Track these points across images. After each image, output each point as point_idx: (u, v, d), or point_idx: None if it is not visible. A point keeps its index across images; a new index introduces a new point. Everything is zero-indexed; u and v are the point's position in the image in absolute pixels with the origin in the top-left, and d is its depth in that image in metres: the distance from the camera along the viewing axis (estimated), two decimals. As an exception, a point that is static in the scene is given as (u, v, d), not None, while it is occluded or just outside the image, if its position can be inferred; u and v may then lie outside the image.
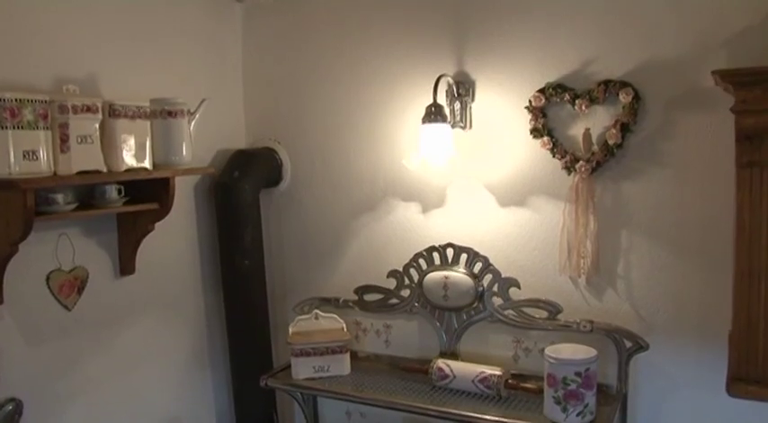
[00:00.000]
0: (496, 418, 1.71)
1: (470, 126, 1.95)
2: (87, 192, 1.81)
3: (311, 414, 2.24)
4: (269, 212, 2.29)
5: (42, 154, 1.57)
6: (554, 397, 1.65)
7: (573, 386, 1.63)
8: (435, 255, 1.98)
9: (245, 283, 2.20)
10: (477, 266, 1.93)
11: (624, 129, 1.77)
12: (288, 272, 2.30)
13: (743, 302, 1.42)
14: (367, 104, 2.08)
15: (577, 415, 1.64)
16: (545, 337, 1.80)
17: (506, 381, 1.81)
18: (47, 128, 1.59)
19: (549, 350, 1.68)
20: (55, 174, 1.59)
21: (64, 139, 1.63)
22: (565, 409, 1.64)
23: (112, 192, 1.80)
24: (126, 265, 1.97)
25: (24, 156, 1.55)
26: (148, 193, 1.86)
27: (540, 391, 1.74)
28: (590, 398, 1.64)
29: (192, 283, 2.20)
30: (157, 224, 1.92)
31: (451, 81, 1.94)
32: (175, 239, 2.13)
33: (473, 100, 1.94)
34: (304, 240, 2.25)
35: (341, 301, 2.14)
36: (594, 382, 1.65)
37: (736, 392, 1.45)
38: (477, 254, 1.93)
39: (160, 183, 1.86)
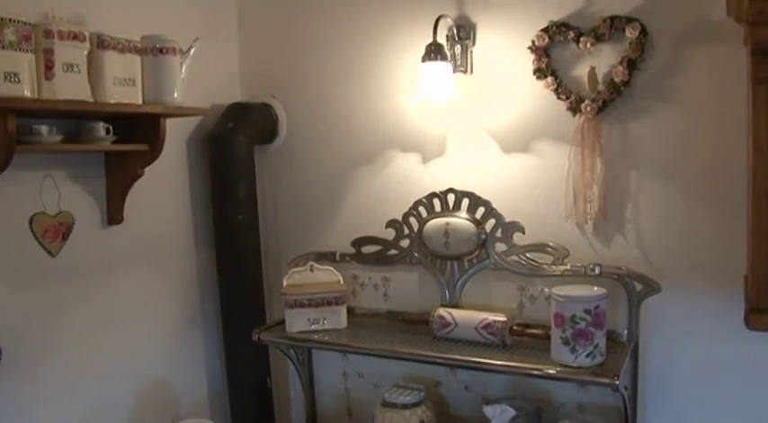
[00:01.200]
0: (503, 363, 1.63)
1: (471, 71, 1.87)
2: (74, 129, 1.69)
3: (306, 376, 2.14)
4: (263, 170, 2.21)
5: (25, 77, 1.46)
6: (562, 338, 1.56)
7: (582, 325, 1.53)
8: (436, 201, 1.90)
9: (238, 239, 2.10)
10: (480, 212, 1.84)
11: (631, 65, 1.69)
12: (282, 229, 2.21)
13: (761, 226, 1.33)
14: (365, 55, 2.01)
15: (587, 356, 1.54)
16: (551, 284, 1.71)
17: (511, 327, 1.72)
18: (30, 51, 1.48)
19: (556, 290, 1.59)
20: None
21: (49, 66, 1.52)
22: (574, 350, 1.54)
23: (100, 130, 1.69)
24: (114, 214, 1.86)
25: (6, 77, 1.44)
26: (138, 135, 1.76)
27: (548, 337, 1.65)
28: (600, 338, 1.55)
29: (183, 237, 2.09)
30: (148, 171, 1.81)
31: (452, 22, 1.85)
32: (166, 190, 2.03)
33: (474, 44, 1.86)
34: (299, 197, 2.16)
35: (337, 254, 2.05)
36: (604, 322, 1.56)
37: (755, 325, 1.36)
38: (479, 198, 1.84)
39: (150, 123, 1.75)
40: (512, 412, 1.62)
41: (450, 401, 1.95)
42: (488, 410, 1.64)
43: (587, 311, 1.54)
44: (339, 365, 2.12)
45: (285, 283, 1.94)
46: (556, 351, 1.59)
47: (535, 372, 1.58)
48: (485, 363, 1.63)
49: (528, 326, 1.74)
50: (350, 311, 1.98)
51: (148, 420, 1.93)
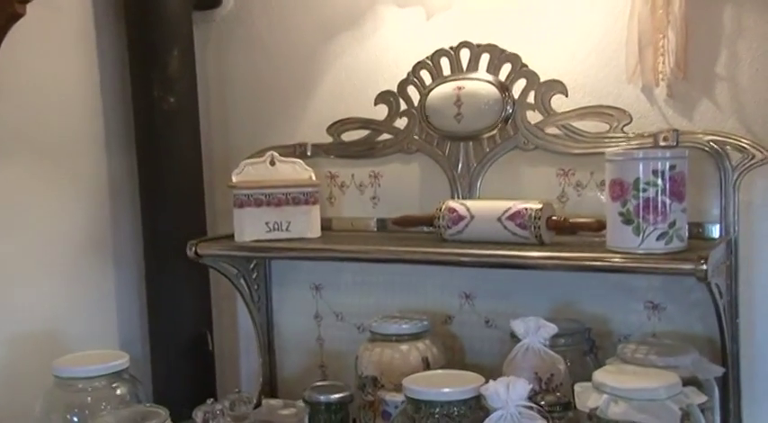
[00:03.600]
0: (542, 254, 1.50)
1: None
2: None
3: (263, 323, 2.02)
4: (207, 42, 2.10)
5: None
6: (621, 214, 1.43)
7: (650, 192, 1.40)
8: (444, 61, 1.78)
9: (168, 131, 1.97)
10: (505, 70, 1.73)
11: None
12: (233, 120, 2.10)
13: None
14: None
15: (659, 238, 1.41)
16: (604, 165, 1.57)
17: (550, 217, 1.59)
18: None
19: (610, 151, 1.46)
20: None
21: None
22: (639, 230, 1.41)
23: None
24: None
25: None
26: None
27: (602, 227, 1.51)
28: (678, 214, 1.42)
29: (86, 125, 1.96)
30: (32, 15, 1.63)
31: None
32: (61, 51, 1.89)
33: None
34: (258, 77, 2.05)
35: (309, 147, 1.95)
36: (684, 192, 1.43)
37: None
38: (503, 52, 1.73)
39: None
40: (551, 328, 1.47)
41: (464, 342, 1.83)
42: (518, 326, 1.49)
43: (658, 174, 1.40)
44: (309, 304, 2.01)
45: (235, 178, 1.82)
46: (613, 235, 1.46)
47: (587, 263, 1.46)
48: (516, 256, 1.51)
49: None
50: (325, 225, 1.88)
51: (25, 388, 1.71)
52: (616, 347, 1.54)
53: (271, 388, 2.01)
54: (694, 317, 1.60)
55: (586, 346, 1.59)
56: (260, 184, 1.79)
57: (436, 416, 1.26)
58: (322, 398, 1.52)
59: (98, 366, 1.50)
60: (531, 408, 1.24)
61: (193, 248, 1.79)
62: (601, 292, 1.67)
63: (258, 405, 1.81)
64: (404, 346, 1.66)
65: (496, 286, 1.77)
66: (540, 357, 1.47)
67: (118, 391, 1.50)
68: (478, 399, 1.29)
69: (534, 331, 1.49)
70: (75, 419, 1.45)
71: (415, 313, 1.77)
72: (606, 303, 1.67)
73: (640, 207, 1.41)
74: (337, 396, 1.53)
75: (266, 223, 1.78)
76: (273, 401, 1.83)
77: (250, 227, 1.78)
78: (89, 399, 1.47)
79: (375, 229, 1.89)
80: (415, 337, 1.68)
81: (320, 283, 1.99)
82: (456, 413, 1.26)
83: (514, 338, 1.55)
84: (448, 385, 1.31)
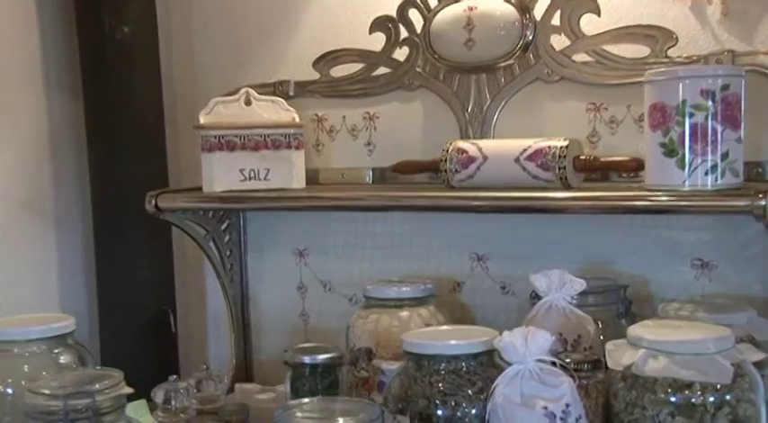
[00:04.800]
0: (570, 194, 1.53)
1: None
2: None
3: (237, 298, 2.05)
4: None
5: None
6: (663, 145, 1.44)
7: (698, 117, 1.42)
8: (452, -22, 1.80)
9: (122, 68, 1.99)
10: None
11: None
12: (202, 56, 2.13)
13: None
14: None
15: (708, 173, 1.42)
16: (643, 97, 1.59)
17: (577, 157, 1.61)
18: None
19: (650, 72, 1.48)
20: None
21: None
22: (683, 163, 1.42)
23: None
24: None
25: None
26: None
27: (640, 167, 1.54)
28: (731, 143, 1.43)
29: (21, 65, 1.98)
30: None
31: None
32: None
33: None
34: (230, 4, 2.08)
35: (291, 84, 1.98)
36: (738, 116, 1.44)
37: None
38: (524, -35, 1.74)
39: None
40: (578, 283, 1.49)
41: (476, 312, 1.85)
42: (540, 280, 1.51)
43: (708, 95, 1.42)
44: (292, 273, 2.04)
45: (203, 118, 1.84)
46: (653, 171, 1.47)
47: (622, 203, 1.48)
48: (538, 198, 1.54)
49: (604, 159, 1.65)
50: (311, 177, 1.90)
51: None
52: (657, 312, 1.57)
53: (246, 374, 2.03)
54: (751, 276, 1.62)
55: (621, 307, 1.61)
56: (233, 125, 1.82)
57: (441, 373, 1.27)
58: (307, 359, 1.53)
59: (37, 328, 1.51)
60: (553, 364, 1.26)
61: (153, 201, 1.81)
62: (639, 250, 1.69)
63: (231, 392, 1.84)
64: (404, 313, 1.67)
65: (514, 245, 1.80)
66: (566, 317, 1.49)
67: (61, 359, 1.50)
68: (491, 355, 1.31)
69: (559, 287, 1.50)
70: (10, 391, 1.45)
71: (418, 278, 1.80)
72: (646, 262, 1.69)
73: (686, 135, 1.43)
74: (324, 357, 1.54)
75: (240, 171, 1.80)
76: (249, 386, 1.86)
77: (221, 175, 1.80)
78: (26, 366, 1.48)
79: (370, 182, 1.92)
80: (417, 302, 1.70)
81: (305, 247, 2.02)
82: (465, 369, 1.27)
83: (535, 300, 1.57)
84: (455, 338, 1.33)
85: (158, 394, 1.64)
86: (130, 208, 1.93)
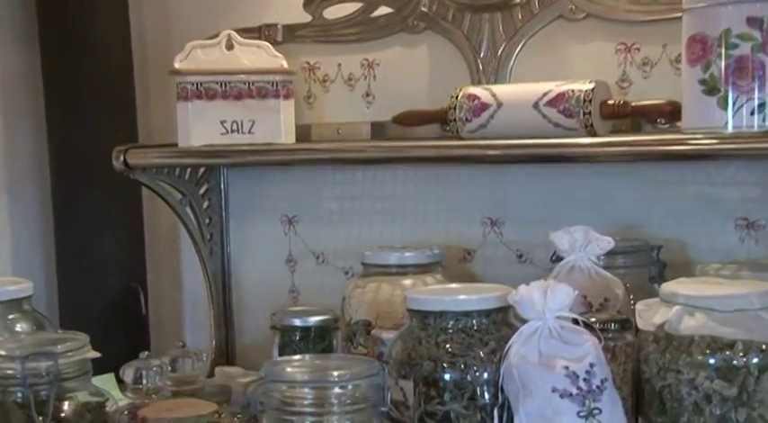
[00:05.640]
0: (597, 140, 1.57)
1: None
2: None
3: (218, 270, 2.08)
4: None
5: None
6: (703, 82, 1.46)
7: (744, 49, 1.44)
8: None
9: (83, 12, 2.02)
10: None
11: None
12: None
13: None
14: None
15: (754, 112, 1.44)
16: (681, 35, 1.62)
17: (605, 102, 1.64)
18: None
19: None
20: None
21: None
22: (726, 102, 1.44)
23: None
24: None
25: None
26: None
27: (677, 111, 1.56)
28: (782, 81, 1.46)
29: None
30: None
31: None
32: None
33: None
34: None
35: (279, 28, 2.01)
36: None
37: None
38: None
39: None
40: (605, 242, 1.52)
41: (489, 283, 1.85)
42: (561, 239, 1.53)
43: (756, 23, 1.44)
44: (280, 243, 2.07)
45: (179, 64, 1.88)
46: (692, 111, 1.49)
47: (657, 148, 1.51)
48: (560, 145, 1.57)
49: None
50: (301, 133, 1.94)
51: None
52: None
53: (227, 360, 2.07)
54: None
55: (654, 270, 1.64)
56: (213, 70, 1.85)
57: (449, 331, 1.29)
58: (297, 322, 1.56)
59: (-12, 291, 1.55)
60: (576, 322, 1.28)
61: (122, 157, 1.85)
62: (676, 209, 1.72)
63: (211, 376, 1.87)
64: (407, 281, 1.70)
65: (532, 207, 1.83)
66: (591, 278, 1.51)
67: (17, 327, 1.54)
68: (506, 313, 1.33)
69: (583, 245, 1.53)
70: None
71: (423, 245, 1.83)
72: (683, 224, 1.71)
73: (730, 70, 1.44)
74: (317, 319, 1.57)
75: (221, 123, 1.84)
76: (231, 369, 1.89)
77: (199, 127, 1.84)
78: (-26, 335, 1.51)
79: (369, 137, 1.94)
80: (422, 269, 1.73)
81: (295, 213, 2.05)
82: (475, 328, 1.29)
83: (555, 263, 1.60)
84: (465, 294, 1.36)
85: (127, 372, 1.66)
86: (95, 170, 1.98)
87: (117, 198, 2.05)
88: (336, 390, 1.09)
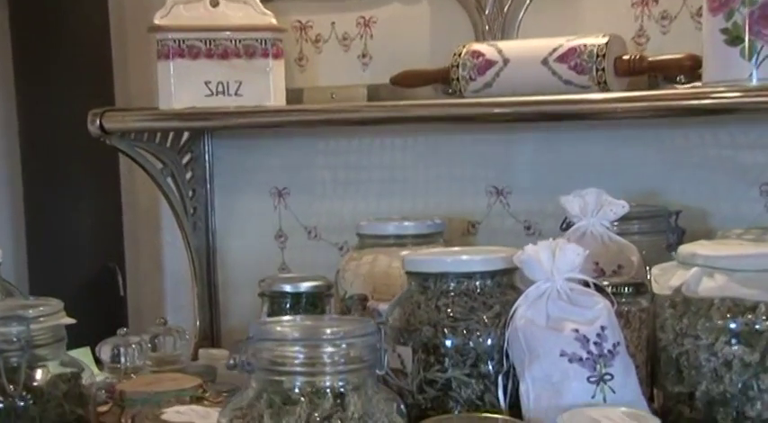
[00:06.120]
0: (611, 95, 1.60)
1: None
2: None
3: (202, 246, 2.11)
4: None
5: None
6: (725, 32, 1.49)
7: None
8: None
9: None
10: None
11: None
12: None
13: None
14: None
15: (779, 61, 1.47)
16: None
17: (619, 57, 1.66)
18: None
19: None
20: None
21: None
22: (750, 52, 1.47)
23: None
24: None
25: None
26: None
27: (697, 65, 1.59)
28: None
29: None
30: None
31: None
32: None
33: None
34: None
35: None
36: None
37: None
38: None
39: None
40: (619, 206, 1.54)
41: None
42: (572, 203, 1.55)
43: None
44: (270, 217, 2.10)
45: (159, 20, 1.89)
46: (713, 64, 1.52)
47: (675, 102, 1.52)
48: (571, 101, 1.59)
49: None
50: (293, 98, 1.96)
51: None
52: (716, 241, 1.62)
53: (212, 342, 2.09)
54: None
55: (672, 237, 1.65)
56: (196, 26, 1.87)
57: (451, 294, 1.31)
58: (287, 287, 1.58)
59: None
60: (586, 284, 1.30)
61: (98, 121, 1.86)
62: (696, 174, 1.75)
63: (195, 359, 1.89)
64: (406, 252, 1.71)
65: (541, 174, 1.86)
66: (603, 244, 1.53)
67: (-16, 296, 1.56)
68: (511, 275, 1.35)
69: (595, 210, 1.55)
70: None
71: (424, 217, 1.84)
72: (704, 190, 1.74)
73: (754, 18, 1.47)
74: (309, 284, 1.59)
75: (206, 84, 1.86)
76: (216, 351, 1.91)
77: (182, 88, 1.86)
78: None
79: (366, 101, 1.95)
80: (423, 239, 1.75)
81: (285, 185, 2.07)
82: (478, 290, 1.32)
83: (566, 229, 1.62)
84: (467, 255, 1.38)
85: (104, 350, 1.69)
86: (68, 139, 2.01)
87: (93, 170, 2.07)
88: (329, 348, 1.09)
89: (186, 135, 2.03)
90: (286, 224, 2.09)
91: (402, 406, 1.15)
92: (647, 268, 1.54)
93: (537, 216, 1.88)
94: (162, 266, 2.26)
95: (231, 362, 1.13)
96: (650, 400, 1.34)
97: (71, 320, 1.36)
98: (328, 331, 1.13)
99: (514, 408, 1.26)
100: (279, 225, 2.10)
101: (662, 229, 1.67)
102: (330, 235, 2.05)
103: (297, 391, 1.09)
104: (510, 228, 1.90)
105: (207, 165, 2.10)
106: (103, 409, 1.46)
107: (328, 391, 1.09)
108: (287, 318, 1.30)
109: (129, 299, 2.15)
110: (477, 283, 1.34)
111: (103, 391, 1.51)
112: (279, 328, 1.16)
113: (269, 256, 2.10)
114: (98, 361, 1.71)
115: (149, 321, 2.19)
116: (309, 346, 1.11)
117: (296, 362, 1.10)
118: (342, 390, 1.10)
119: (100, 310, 2.09)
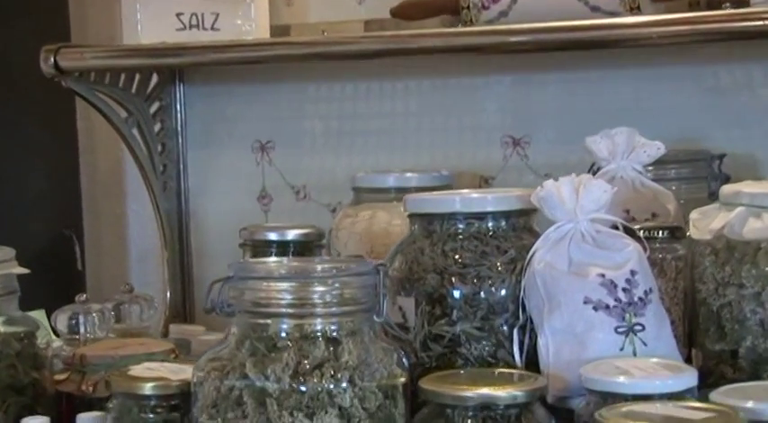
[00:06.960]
0: (648, 18, 1.61)
1: None
2: None
3: (173, 210, 2.12)
4: None
5: None
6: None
7: None
8: None
9: None
10: None
11: None
12: None
13: None
14: None
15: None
16: None
17: (652, -18, 1.69)
18: None
19: None
20: None
21: None
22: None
23: None
24: None
25: None
26: None
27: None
28: None
29: None
30: None
31: None
32: None
33: None
34: None
35: None
36: None
37: None
38: None
39: None
40: (654, 147, 1.56)
41: None
42: (599, 144, 1.57)
43: None
44: (251, 175, 2.12)
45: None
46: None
47: (721, 25, 1.54)
48: (600, 26, 1.62)
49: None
50: (277, 34, 1.97)
51: None
52: None
53: (184, 318, 2.12)
54: None
55: (715, 185, 1.67)
56: (169, -50, 1.89)
57: (459, 238, 1.33)
58: (273, 236, 1.60)
59: None
60: (615, 226, 1.32)
61: (52, 58, 1.88)
62: (743, 117, 1.78)
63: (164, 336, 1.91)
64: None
65: (564, 120, 1.88)
66: (635, 190, 1.55)
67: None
68: (528, 217, 1.38)
69: (626, 152, 1.58)
70: None
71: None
72: (753, 136, 1.77)
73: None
74: (298, 232, 1.61)
75: (178, 16, 1.89)
76: (189, 326, 1.93)
77: (150, 21, 1.88)
78: None
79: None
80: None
81: (269, 138, 2.09)
82: (491, 233, 1.34)
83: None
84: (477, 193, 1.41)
85: (61, 319, 1.70)
86: (17, 87, 2.03)
87: (46, 124, 2.09)
88: (320, 287, 1.11)
89: (155, 78, 2.05)
90: (270, 183, 2.11)
91: (404, 359, 1.17)
92: (686, 219, 1.58)
93: (559, 169, 1.82)
94: (126, 234, 2.27)
95: (209, 305, 1.15)
96: (687, 361, 1.35)
97: (24, 270, 1.39)
98: (319, 268, 1.15)
99: (531, 366, 1.28)
100: (262, 184, 2.12)
101: (703, 175, 1.69)
102: (321, 195, 2.06)
103: (284, 335, 1.11)
104: (529, 182, 1.89)
105: (179, 115, 2.12)
106: (61, 377, 1.48)
107: (319, 335, 1.10)
108: (272, 258, 1.33)
109: (87, 271, 2.18)
110: (490, 224, 1.35)
111: (60, 361, 1.53)
112: (264, 266, 1.19)
113: (251, 219, 2.06)
114: (55, 332, 1.72)
115: (112, 290, 2.22)
116: (298, 284, 1.12)
117: (282, 302, 1.11)
118: (334, 335, 1.11)
119: (54, 284, 2.09)
